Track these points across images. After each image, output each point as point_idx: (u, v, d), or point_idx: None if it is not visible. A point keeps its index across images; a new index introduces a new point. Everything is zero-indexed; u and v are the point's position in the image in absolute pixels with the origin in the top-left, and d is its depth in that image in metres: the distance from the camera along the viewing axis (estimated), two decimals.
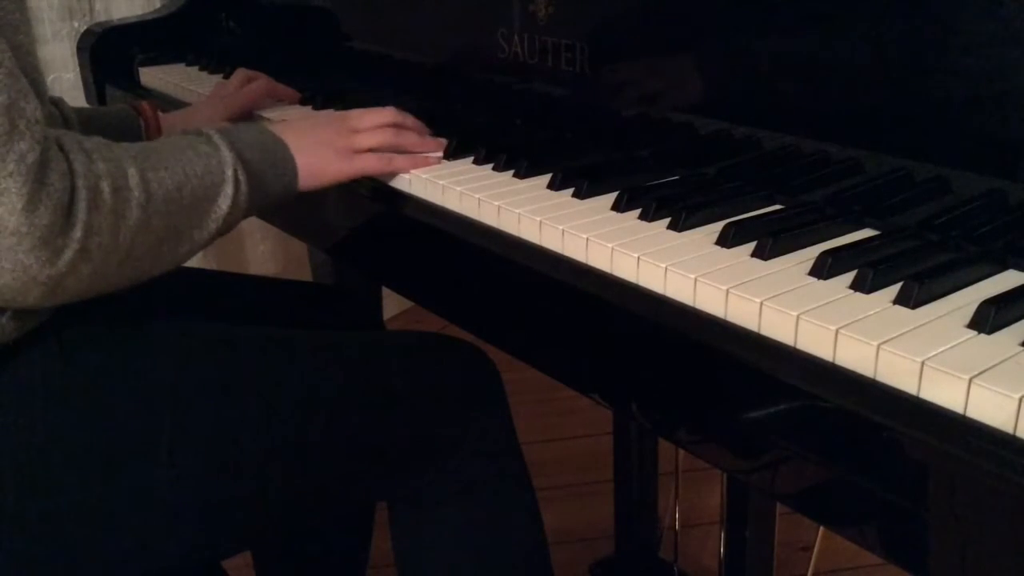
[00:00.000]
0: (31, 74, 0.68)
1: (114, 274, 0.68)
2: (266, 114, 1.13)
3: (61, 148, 0.64)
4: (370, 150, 0.88)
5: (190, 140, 0.76)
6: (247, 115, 1.13)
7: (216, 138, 0.77)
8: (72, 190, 0.63)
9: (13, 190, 0.60)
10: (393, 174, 0.89)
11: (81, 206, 0.64)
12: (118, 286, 0.70)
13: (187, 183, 0.72)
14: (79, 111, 1.01)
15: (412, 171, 0.88)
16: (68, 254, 0.63)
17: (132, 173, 0.68)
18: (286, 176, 0.83)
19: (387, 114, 0.91)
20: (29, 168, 0.61)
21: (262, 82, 1.16)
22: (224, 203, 0.75)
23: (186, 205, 0.72)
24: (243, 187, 0.77)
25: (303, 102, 1.17)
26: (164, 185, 0.70)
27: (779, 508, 1.16)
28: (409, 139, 0.91)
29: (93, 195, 0.64)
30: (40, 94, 0.65)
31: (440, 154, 0.91)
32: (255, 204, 0.79)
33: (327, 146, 0.86)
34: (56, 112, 0.98)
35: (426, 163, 0.89)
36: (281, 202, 0.83)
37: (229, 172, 0.76)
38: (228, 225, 0.77)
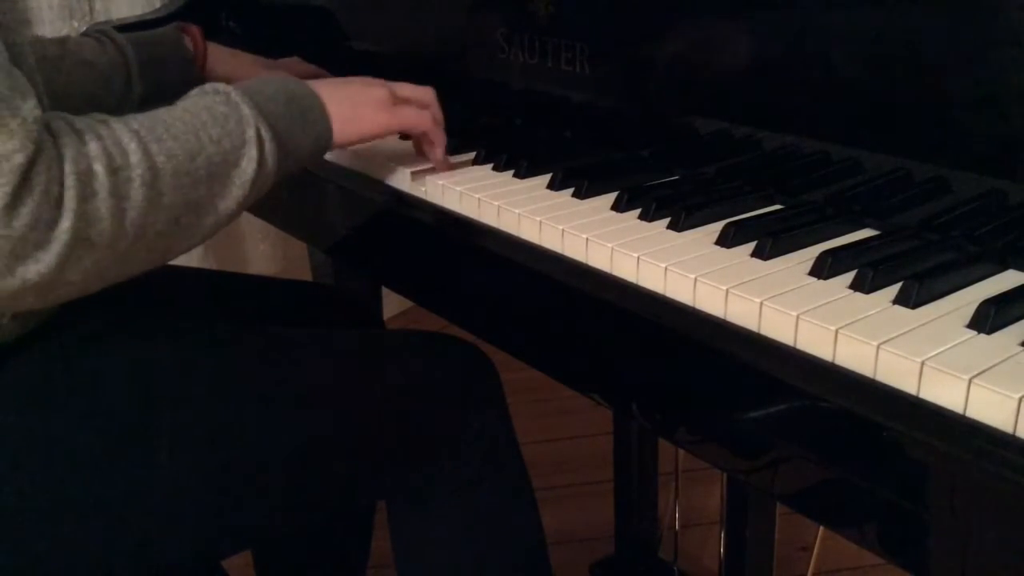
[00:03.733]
0: (29, 75, 0.67)
1: (129, 258, 0.65)
2: None
3: (50, 132, 0.60)
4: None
5: (207, 101, 0.71)
6: None
7: (235, 95, 0.72)
8: (60, 180, 0.59)
9: None
10: (430, 144, 0.87)
11: (70, 194, 0.60)
12: (139, 269, 0.67)
13: (201, 151, 0.67)
14: (128, 36, 1.00)
15: (411, 171, 0.88)
16: (56, 248, 0.59)
17: (133, 149, 0.63)
18: (317, 126, 0.77)
19: (430, 93, 0.89)
20: (13, 169, 0.57)
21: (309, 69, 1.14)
22: (249, 167, 0.70)
23: (203, 175, 0.67)
24: (268, 145, 0.71)
25: None
26: (173, 157, 0.65)
27: (779, 508, 1.15)
28: (439, 136, 0.89)
29: (85, 181, 0.61)
30: (37, 96, 0.64)
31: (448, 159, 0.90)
32: (286, 161, 0.74)
33: (363, 96, 0.83)
34: (107, 41, 0.99)
35: (447, 167, 0.89)
36: (317, 158, 0.79)
37: (251, 132, 0.71)
38: (259, 189, 0.72)
